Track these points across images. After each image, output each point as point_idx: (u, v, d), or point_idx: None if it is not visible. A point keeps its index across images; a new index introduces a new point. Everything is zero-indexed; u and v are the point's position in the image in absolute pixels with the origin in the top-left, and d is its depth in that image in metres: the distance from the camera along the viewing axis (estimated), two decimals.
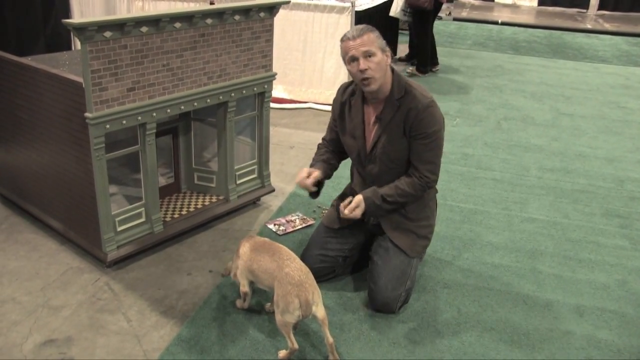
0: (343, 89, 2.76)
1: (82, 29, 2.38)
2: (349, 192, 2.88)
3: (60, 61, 3.23)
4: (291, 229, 3.28)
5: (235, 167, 3.36)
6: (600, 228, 3.47)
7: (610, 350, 2.48)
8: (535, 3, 12.91)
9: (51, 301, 2.63)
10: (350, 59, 2.51)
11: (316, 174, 2.69)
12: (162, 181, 3.37)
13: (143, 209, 2.92)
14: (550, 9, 12.58)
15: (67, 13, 5.30)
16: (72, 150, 2.75)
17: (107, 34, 2.47)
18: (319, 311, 2.27)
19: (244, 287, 2.51)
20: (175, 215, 3.17)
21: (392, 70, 2.59)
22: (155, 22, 2.62)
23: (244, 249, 2.51)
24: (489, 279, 2.92)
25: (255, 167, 3.49)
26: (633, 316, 2.70)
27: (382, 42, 2.51)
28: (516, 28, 9.90)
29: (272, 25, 3.23)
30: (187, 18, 2.75)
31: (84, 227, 2.87)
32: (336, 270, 2.83)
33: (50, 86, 2.74)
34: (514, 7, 12.79)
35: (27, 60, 2.94)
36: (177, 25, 2.72)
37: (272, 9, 3.16)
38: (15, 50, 3.42)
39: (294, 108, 5.35)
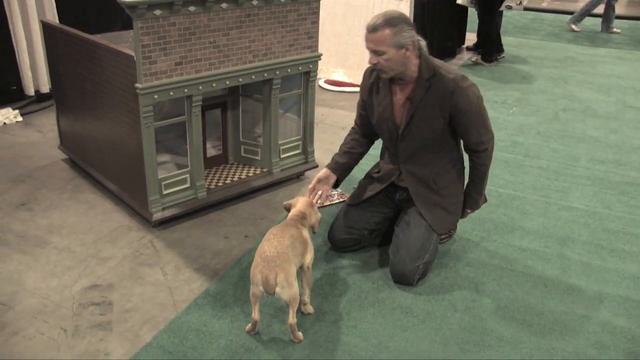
0: (369, 72, 2.84)
1: (133, 7, 2.63)
2: (375, 172, 3.00)
3: (124, 38, 3.52)
4: (328, 203, 3.44)
5: (280, 142, 3.56)
6: None
7: (625, 337, 2.49)
8: None
9: (100, 253, 2.92)
10: (366, 47, 2.61)
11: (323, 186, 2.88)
12: (213, 152, 3.62)
13: (188, 175, 3.17)
14: None
15: None
16: (126, 118, 3.02)
17: (157, 12, 2.71)
18: (284, 295, 2.23)
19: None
20: (220, 184, 3.40)
21: (420, 54, 2.64)
22: (203, 1, 2.83)
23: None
24: (513, 261, 2.98)
25: (300, 143, 3.67)
26: None
27: (399, 39, 2.51)
28: (598, 19, 9.53)
29: (318, 7, 3.38)
30: None
31: (134, 189, 3.15)
32: (362, 242, 2.97)
33: (109, 59, 3.02)
34: None
35: (91, 36, 3.24)
36: (224, 5, 2.93)
37: None
38: (94, 29, 3.74)
39: (353, 91, 5.48)
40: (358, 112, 2.98)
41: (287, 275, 2.24)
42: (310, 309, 2.52)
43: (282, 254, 2.27)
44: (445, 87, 2.60)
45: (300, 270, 2.47)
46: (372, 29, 2.53)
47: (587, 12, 8.82)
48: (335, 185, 2.96)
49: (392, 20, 2.51)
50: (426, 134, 2.70)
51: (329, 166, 2.94)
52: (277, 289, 2.22)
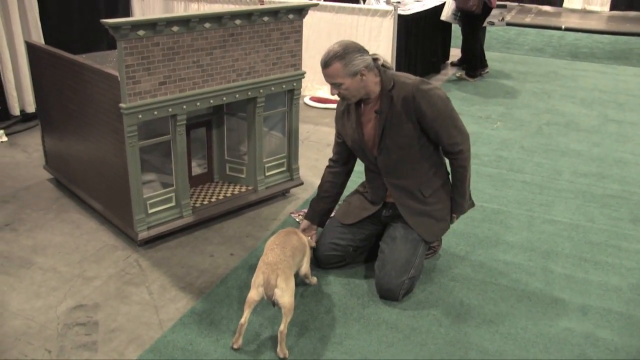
0: (340, 101, 2.91)
1: (117, 28, 2.65)
2: (361, 190, 3.04)
3: (108, 58, 3.54)
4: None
5: (265, 160, 3.57)
6: (625, 233, 3.46)
7: (607, 349, 2.52)
8: (607, 8, 12.53)
9: (86, 272, 2.92)
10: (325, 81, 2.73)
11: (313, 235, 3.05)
12: (198, 170, 3.63)
13: (173, 194, 3.17)
14: (623, 13, 12.16)
15: (129, 16, 5.68)
16: (111, 138, 3.03)
17: (141, 32, 2.73)
18: (282, 298, 2.35)
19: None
20: (205, 202, 3.41)
21: (379, 70, 2.71)
22: (186, 22, 2.86)
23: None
24: (497, 275, 3.00)
25: (285, 160, 3.69)
26: (639, 318, 2.71)
27: (351, 68, 2.61)
28: (580, 34, 9.69)
29: (301, 26, 3.41)
30: (217, 19, 2.98)
31: (120, 208, 3.15)
32: (346, 259, 2.98)
33: (93, 79, 3.03)
34: (583, 12, 12.46)
35: (75, 56, 3.25)
36: (207, 25, 2.96)
37: (300, 11, 3.35)
38: (79, 49, 3.75)
39: None
40: (335, 142, 3.03)
41: (287, 280, 2.40)
42: (314, 280, 2.86)
43: (284, 261, 2.47)
44: (407, 92, 2.66)
45: (298, 273, 2.70)
46: (324, 64, 2.65)
47: None
48: (322, 225, 3.09)
49: (340, 53, 2.62)
50: (402, 142, 2.74)
51: (307, 216, 3.09)
52: (277, 291, 2.34)
